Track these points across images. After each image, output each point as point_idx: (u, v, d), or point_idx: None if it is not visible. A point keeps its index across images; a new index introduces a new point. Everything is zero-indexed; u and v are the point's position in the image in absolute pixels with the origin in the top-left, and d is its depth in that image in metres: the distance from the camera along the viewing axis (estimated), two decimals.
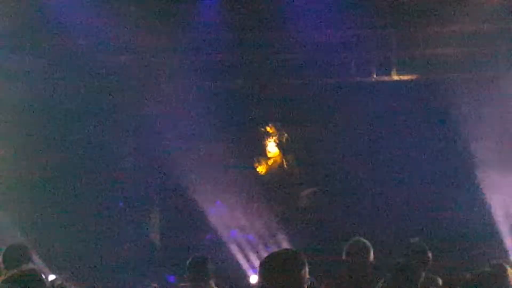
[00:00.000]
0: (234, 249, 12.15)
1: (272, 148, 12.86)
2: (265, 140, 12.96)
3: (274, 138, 12.88)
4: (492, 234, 11.58)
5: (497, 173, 11.52)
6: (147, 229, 13.35)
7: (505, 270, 7.32)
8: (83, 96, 12.65)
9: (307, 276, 4.65)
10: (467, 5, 11.59)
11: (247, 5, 12.10)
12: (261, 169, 12.88)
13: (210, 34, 12.23)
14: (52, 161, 12.62)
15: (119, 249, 12.49)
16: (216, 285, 7.87)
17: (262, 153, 13.05)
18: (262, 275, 4.65)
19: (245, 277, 11.70)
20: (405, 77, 12.86)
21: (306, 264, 4.64)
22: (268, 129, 12.87)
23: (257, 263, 11.23)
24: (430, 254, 7.59)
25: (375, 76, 13.02)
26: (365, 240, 7.55)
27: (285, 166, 12.78)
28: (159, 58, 12.54)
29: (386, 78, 12.89)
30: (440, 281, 6.50)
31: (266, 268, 4.63)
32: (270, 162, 12.90)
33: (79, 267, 11.41)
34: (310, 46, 12.50)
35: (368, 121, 12.97)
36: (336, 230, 11.76)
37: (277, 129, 12.90)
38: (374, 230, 11.47)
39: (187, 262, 7.89)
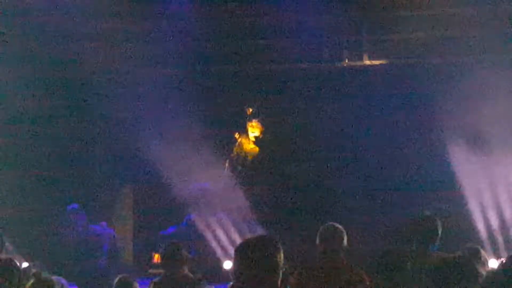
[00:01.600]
0: (208, 234, 12.13)
1: (253, 130, 12.65)
2: (246, 123, 12.75)
3: (255, 120, 12.66)
4: (463, 214, 11.64)
5: (472, 152, 11.55)
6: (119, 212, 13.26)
7: (479, 253, 7.38)
8: (51, 83, 12.53)
9: (282, 261, 4.65)
10: None
11: None
12: (240, 149, 12.63)
13: (184, 20, 12.23)
14: (21, 149, 12.53)
15: (93, 237, 12.40)
16: (189, 271, 7.89)
17: (244, 134, 12.86)
18: (236, 261, 4.65)
19: (219, 262, 11.70)
20: (377, 62, 12.90)
21: (281, 250, 4.64)
22: (250, 110, 12.67)
23: (231, 248, 11.25)
24: (440, 231, 7.58)
25: (347, 61, 13.06)
26: (338, 225, 7.57)
27: (266, 148, 12.60)
28: (134, 44, 12.49)
29: (358, 63, 12.93)
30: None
31: (241, 254, 4.63)
32: (250, 144, 12.72)
33: (53, 255, 11.34)
34: (282, 31, 12.50)
35: (346, 104, 12.91)
36: (313, 214, 11.77)
37: (258, 111, 12.72)
38: (351, 213, 11.51)
39: (161, 248, 7.92)
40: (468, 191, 11.75)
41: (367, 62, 12.91)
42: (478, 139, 11.66)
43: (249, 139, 12.54)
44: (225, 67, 12.84)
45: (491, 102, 11.36)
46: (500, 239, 11.46)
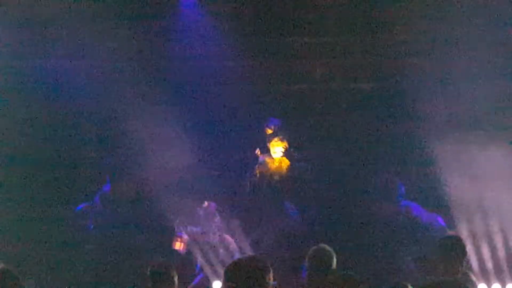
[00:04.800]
0: (196, 253, 12.05)
1: (277, 146, 12.26)
2: (269, 142, 12.36)
3: (277, 138, 12.28)
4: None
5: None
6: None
7: (468, 278, 7.40)
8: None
9: (272, 282, 4.69)
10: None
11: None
12: (264, 168, 12.29)
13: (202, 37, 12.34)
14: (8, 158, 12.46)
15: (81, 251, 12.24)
16: None
17: (267, 154, 12.52)
18: (226, 281, 4.68)
19: (208, 283, 11.67)
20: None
21: (271, 271, 4.67)
22: (271, 129, 12.27)
23: (219, 269, 11.23)
24: (467, 249, 7.63)
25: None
26: (328, 248, 7.61)
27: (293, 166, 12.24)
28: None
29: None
30: None
31: (231, 275, 4.66)
32: (275, 162, 12.40)
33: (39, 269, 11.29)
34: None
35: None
36: (304, 236, 11.69)
37: (279, 129, 12.34)
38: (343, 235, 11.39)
39: (148, 269, 7.86)
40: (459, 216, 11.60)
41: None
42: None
43: (273, 158, 12.20)
44: (243, 85, 12.70)
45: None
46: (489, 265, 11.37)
